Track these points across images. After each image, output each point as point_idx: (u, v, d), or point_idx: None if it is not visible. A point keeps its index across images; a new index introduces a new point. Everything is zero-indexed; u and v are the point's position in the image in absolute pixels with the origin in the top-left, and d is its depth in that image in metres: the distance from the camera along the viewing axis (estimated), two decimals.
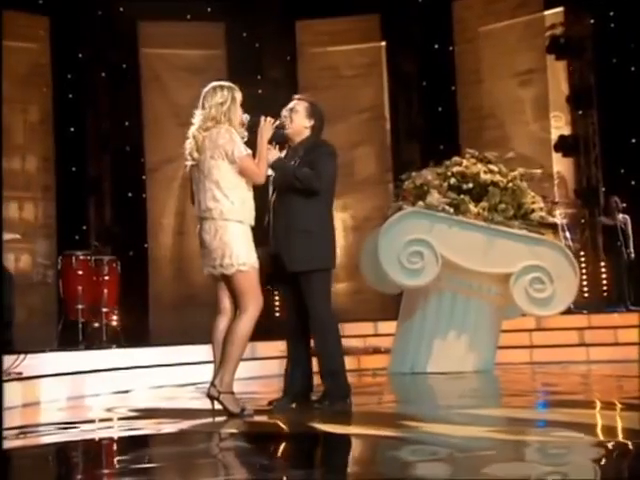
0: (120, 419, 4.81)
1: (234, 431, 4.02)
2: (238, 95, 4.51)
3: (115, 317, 7.75)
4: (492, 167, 6.94)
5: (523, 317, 7.46)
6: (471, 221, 6.71)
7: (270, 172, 4.60)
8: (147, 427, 4.30)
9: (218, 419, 4.28)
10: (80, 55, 10.10)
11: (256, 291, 4.34)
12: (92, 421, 4.81)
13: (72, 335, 7.54)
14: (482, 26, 10.94)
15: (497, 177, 6.86)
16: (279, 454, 3.49)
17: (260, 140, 4.51)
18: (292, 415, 4.47)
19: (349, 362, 7.68)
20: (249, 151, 4.42)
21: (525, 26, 10.72)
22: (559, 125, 10.65)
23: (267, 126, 4.58)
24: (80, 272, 7.03)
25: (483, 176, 6.83)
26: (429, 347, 6.82)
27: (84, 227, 10.02)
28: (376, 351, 7.69)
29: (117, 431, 4.30)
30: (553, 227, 7.94)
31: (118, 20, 10.13)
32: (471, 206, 6.75)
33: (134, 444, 3.77)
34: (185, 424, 4.32)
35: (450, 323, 6.81)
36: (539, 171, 7.25)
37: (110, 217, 10.03)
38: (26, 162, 9.97)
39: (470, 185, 6.83)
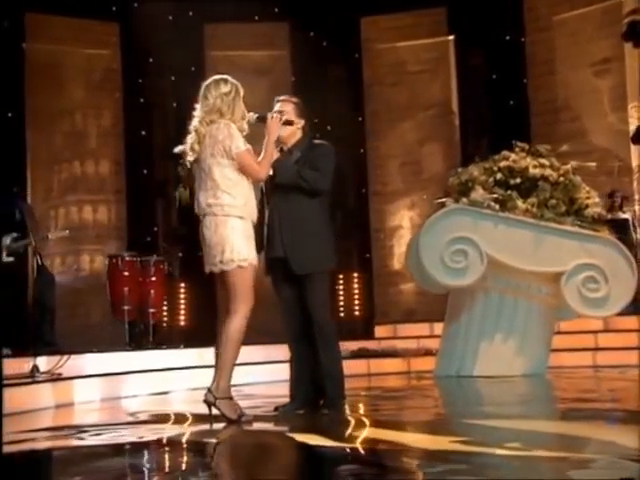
0: (129, 423, 4.69)
1: (212, 441, 3.79)
2: (241, 89, 4.33)
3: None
4: (542, 161, 6.48)
5: (589, 319, 6.95)
6: (519, 218, 6.30)
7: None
8: (141, 434, 4.12)
9: (216, 426, 4.09)
10: (150, 60, 10.13)
11: (250, 290, 4.15)
12: (106, 425, 4.70)
13: (142, 335, 7.57)
14: (556, 15, 10.33)
15: (547, 171, 6.41)
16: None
17: (267, 137, 4.35)
18: (294, 422, 4.22)
19: (399, 364, 7.50)
20: (248, 146, 4.25)
21: (602, 13, 10.05)
22: (639, 116, 9.93)
23: (274, 123, 4.37)
24: (126, 273, 7.00)
25: (532, 170, 6.39)
26: (475, 350, 6.44)
27: (155, 228, 10.05)
28: (427, 353, 7.33)
29: (109, 437, 4.14)
30: (621, 223, 7.40)
31: (185, 23, 10.10)
32: (519, 202, 6.33)
33: (103, 453, 3.61)
34: (177, 431, 4.13)
35: (497, 325, 6.41)
36: (593, 164, 6.72)
37: (177, 219, 10.02)
38: (99, 166, 10.09)
39: (518, 180, 6.41)
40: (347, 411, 4.40)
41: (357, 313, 9.39)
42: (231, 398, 4.18)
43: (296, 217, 4.40)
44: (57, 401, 5.68)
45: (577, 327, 7.39)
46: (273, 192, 4.47)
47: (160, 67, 10.18)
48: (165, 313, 9.26)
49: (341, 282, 9.48)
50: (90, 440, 3.97)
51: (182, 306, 9.09)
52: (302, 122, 4.53)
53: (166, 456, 3.46)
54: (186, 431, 4.11)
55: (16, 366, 6.00)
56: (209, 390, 4.16)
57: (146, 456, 3.49)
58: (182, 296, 9.10)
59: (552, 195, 6.35)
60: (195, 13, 10.19)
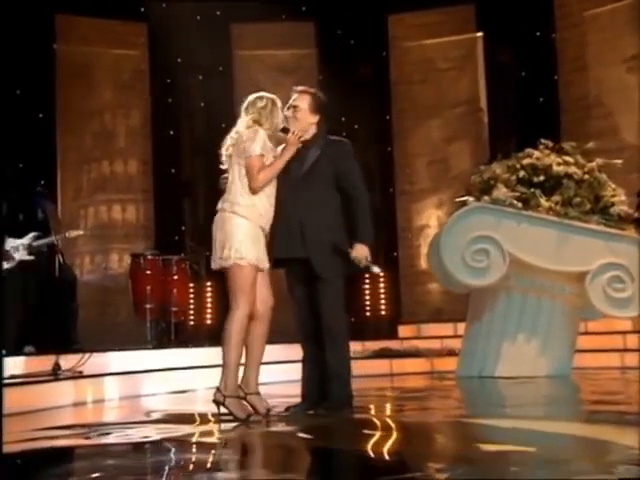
0: (141, 422, 4.66)
1: (209, 440, 3.73)
2: (278, 101, 4.38)
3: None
4: (567, 158, 6.33)
5: (617, 319, 6.78)
6: (542, 216, 6.16)
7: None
8: (147, 433, 4.08)
9: (224, 426, 4.05)
10: (178, 60, 10.14)
11: (248, 290, 4.10)
12: (115, 424, 4.69)
13: (164, 334, 7.57)
14: (587, 10, 10.12)
15: (572, 169, 6.26)
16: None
17: (283, 153, 4.31)
18: (304, 422, 4.15)
19: (422, 365, 7.39)
20: (264, 153, 4.22)
21: (629, 9, 9.82)
22: None
23: (293, 141, 4.31)
24: (148, 272, 7.00)
25: (556, 168, 6.25)
26: (498, 350, 6.32)
27: (182, 228, 10.07)
28: (450, 353, 7.21)
29: (115, 437, 4.11)
30: None
31: (213, 23, 10.10)
32: (542, 200, 6.19)
33: (104, 452, 3.58)
34: (183, 431, 4.07)
35: (520, 325, 6.28)
36: (619, 161, 6.54)
37: (204, 218, 10.02)
38: (128, 166, 10.13)
39: (541, 178, 6.27)
40: (353, 412, 4.29)
41: (383, 313, 9.29)
42: (241, 397, 4.13)
43: (321, 220, 4.30)
44: (77, 399, 5.70)
45: (605, 328, 7.22)
46: (287, 189, 4.36)
47: (188, 67, 10.20)
48: (191, 312, 9.27)
49: (367, 282, 9.39)
50: (96, 439, 3.95)
51: (209, 305, 9.07)
52: (316, 118, 4.40)
53: (160, 456, 3.39)
54: (192, 431, 4.06)
55: (39, 364, 6.03)
56: (218, 389, 4.14)
57: (140, 456, 3.46)
58: (209, 295, 9.09)
59: (577, 193, 6.21)
60: (222, 13, 10.18)
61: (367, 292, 9.40)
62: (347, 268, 4.32)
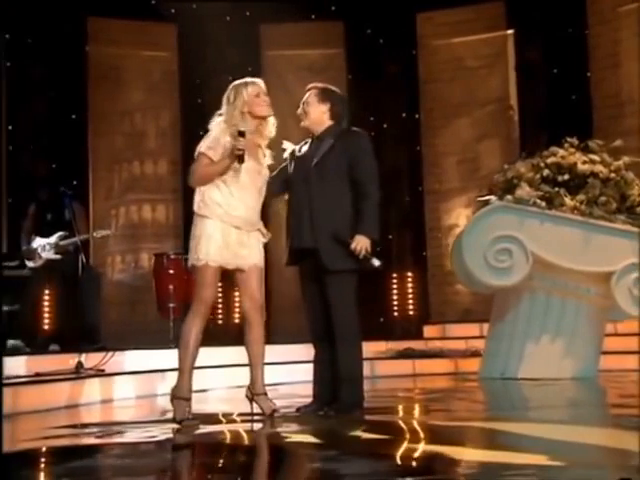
0: (151, 422, 4.65)
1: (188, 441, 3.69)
2: (244, 91, 4.24)
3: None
4: (593, 157, 6.19)
5: None
6: (566, 215, 6.03)
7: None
8: (154, 433, 4.08)
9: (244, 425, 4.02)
10: (207, 60, 10.16)
11: (202, 288, 4.06)
12: (122, 423, 4.69)
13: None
14: (621, 6, 9.91)
15: (598, 167, 6.12)
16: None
17: (228, 155, 4.09)
18: (310, 423, 4.09)
19: (446, 365, 7.29)
20: (206, 149, 4.13)
21: None
22: None
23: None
24: (171, 271, 7.01)
25: (581, 167, 6.11)
26: (521, 351, 6.21)
27: None
28: (474, 354, 7.10)
29: (118, 436, 4.10)
30: None
31: (242, 24, 10.10)
32: (567, 199, 6.06)
33: (98, 452, 3.56)
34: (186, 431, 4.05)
35: (544, 326, 6.16)
36: None
37: None
38: (157, 166, 10.19)
39: (566, 177, 6.14)
40: (363, 414, 4.23)
41: (411, 313, 9.20)
42: (185, 399, 4.10)
43: (331, 210, 4.25)
44: (97, 397, 5.73)
45: (636, 329, 7.03)
46: (299, 180, 4.33)
47: (217, 67, 10.20)
48: (220, 311, 9.29)
49: (395, 281, 9.30)
50: (109, 438, 3.96)
51: (236, 304, 9.07)
52: (327, 105, 4.38)
53: (149, 458, 3.37)
54: (208, 430, 4.04)
55: (63, 362, 6.08)
56: (248, 387, 4.24)
57: (152, 455, 3.44)
58: (237, 294, 9.08)
59: (602, 192, 6.07)
60: (252, 13, 10.18)
61: (395, 292, 9.31)
62: (357, 264, 4.24)
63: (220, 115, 4.22)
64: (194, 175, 4.15)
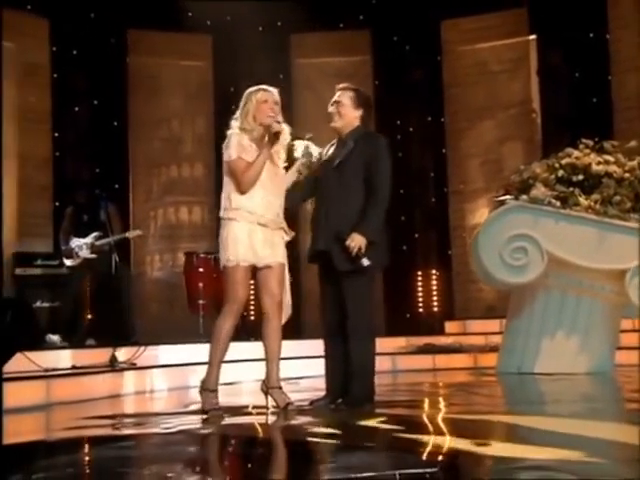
0: (183, 413, 4.66)
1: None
2: (254, 97, 4.18)
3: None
4: (607, 157, 6.05)
5: None
6: (581, 214, 5.91)
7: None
8: (175, 423, 4.09)
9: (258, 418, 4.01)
10: (240, 69, 10.18)
11: (234, 288, 4.04)
12: (149, 415, 4.70)
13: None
14: None
15: (612, 167, 5.98)
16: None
17: (263, 150, 4.10)
18: (322, 416, 4.05)
19: (466, 360, 7.20)
20: (241, 155, 4.08)
21: None
22: None
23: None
24: (201, 269, 7.04)
25: (595, 167, 5.98)
26: (537, 347, 6.11)
27: None
28: (493, 349, 6.99)
29: (143, 427, 4.12)
30: None
31: (273, 34, 10.10)
32: (581, 199, 5.94)
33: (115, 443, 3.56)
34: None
35: (559, 322, 6.05)
36: None
37: None
38: (193, 169, 10.26)
39: (581, 177, 6.01)
40: (374, 408, 4.18)
41: (436, 309, 9.13)
42: (212, 391, 4.11)
43: (345, 211, 4.21)
44: (130, 389, 5.77)
45: None
46: (323, 182, 4.29)
47: (250, 76, 10.20)
48: (252, 307, 9.29)
49: (420, 279, 9.24)
50: (135, 428, 3.98)
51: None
52: (359, 112, 4.32)
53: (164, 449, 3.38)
54: (196, 424, 4.02)
55: (99, 356, 6.14)
56: (263, 381, 4.24)
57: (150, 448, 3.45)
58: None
59: (617, 192, 5.93)
60: (283, 23, 10.18)
61: (420, 289, 9.24)
62: (376, 265, 4.21)
63: (235, 120, 4.20)
64: (242, 182, 4.05)
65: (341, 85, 4.46)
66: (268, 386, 4.19)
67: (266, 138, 4.16)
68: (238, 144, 4.10)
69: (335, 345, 4.29)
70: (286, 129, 4.21)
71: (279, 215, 4.20)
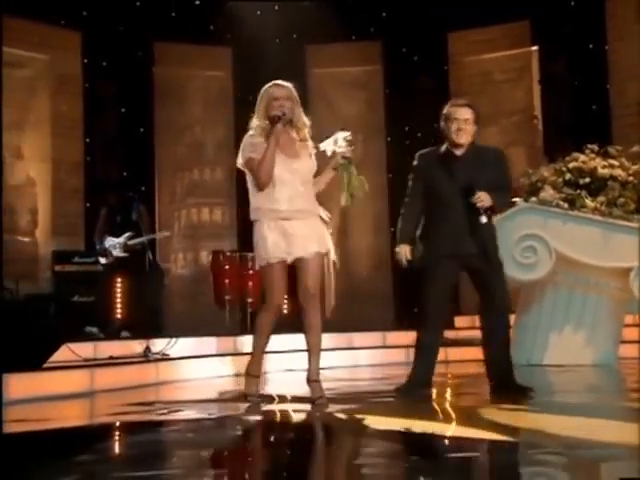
0: (214, 401, 4.68)
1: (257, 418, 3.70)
2: (267, 93, 4.07)
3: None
4: (612, 161, 6.07)
5: None
6: (587, 215, 5.92)
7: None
8: (208, 410, 4.10)
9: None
10: (258, 78, 10.19)
11: (270, 285, 4.00)
12: (178, 402, 4.72)
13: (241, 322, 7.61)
14: (638, 23, 9.68)
15: (617, 171, 6.00)
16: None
17: (269, 141, 3.94)
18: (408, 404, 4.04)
19: (477, 352, 7.18)
20: (252, 156, 3.97)
21: None
22: None
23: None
24: (227, 267, 7.07)
25: (601, 170, 6.00)
26: (545, 340, 6.11)
27: None
28: None
29: (191, 413, 4.15)
30: None
31: (290, 45, 10.13)
32: (587, 201, 5.95)
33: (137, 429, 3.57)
34: (228, 410, 4.07)
35: (566, 317, 6.07)
36: None
37: None
38: (215, 173, 10.30)
39: (587, 180, 6.02)
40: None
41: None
42: (255, 377, 4.13)
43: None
44: (163, 378, 5.78)
45: None
46: (456, 194, 4.24)
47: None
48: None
49: None
50: (169, 415, 4.00)
51: (286, 296, 9.07)
52: (476, 128, 4.31)
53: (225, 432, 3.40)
54: (229, 411, 4.04)
55: (133, 347, 6.18)
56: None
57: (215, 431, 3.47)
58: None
59: (621, 194, 5.94)
60: (298, 36, 10.21)
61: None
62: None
63: (253, 117, 4.15)
64: (258, 177, 3.90)
65: (460, 101, 4.43)
66: (308, 378, 4.08)
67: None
68: (249, 145, 4.00)
69: (437, 335, 4.38)
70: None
71: (305, 205, 3.98)
